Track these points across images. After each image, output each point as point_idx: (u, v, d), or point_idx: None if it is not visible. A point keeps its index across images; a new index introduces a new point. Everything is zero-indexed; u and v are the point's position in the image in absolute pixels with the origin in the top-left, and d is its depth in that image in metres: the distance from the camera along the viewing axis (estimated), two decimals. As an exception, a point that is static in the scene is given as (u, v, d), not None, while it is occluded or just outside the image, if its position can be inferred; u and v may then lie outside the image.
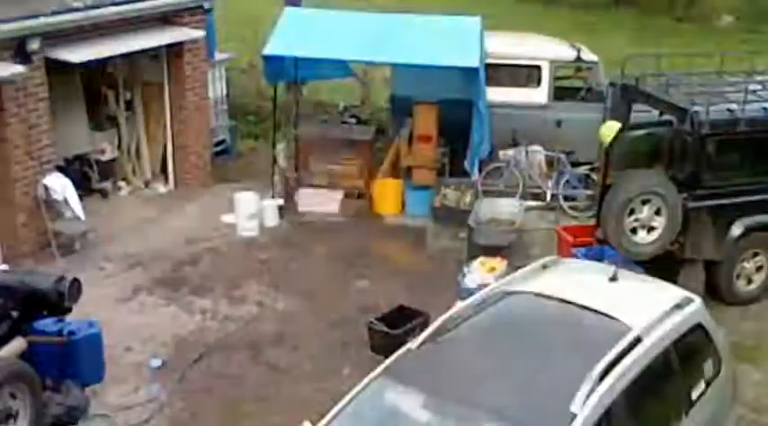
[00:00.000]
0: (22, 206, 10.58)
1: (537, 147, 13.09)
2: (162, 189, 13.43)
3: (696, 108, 9.67)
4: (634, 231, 9.98)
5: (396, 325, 9.02)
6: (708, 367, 7.05)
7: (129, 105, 13.39)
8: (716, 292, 10.23)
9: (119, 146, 13.29)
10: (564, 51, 13.81)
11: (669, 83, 10.31)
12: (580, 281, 7.45)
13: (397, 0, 18.23)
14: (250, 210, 11.98)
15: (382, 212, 12.64)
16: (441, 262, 11.29)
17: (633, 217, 9.93)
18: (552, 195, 12.90)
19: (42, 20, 10.28)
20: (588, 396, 5.74)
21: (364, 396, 6.21)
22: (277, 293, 10.53)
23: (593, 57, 13.71)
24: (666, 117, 10.50)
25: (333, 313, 10.08)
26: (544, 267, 7.51)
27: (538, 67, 13.47)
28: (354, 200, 12.92)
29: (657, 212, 9.91)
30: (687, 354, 6.79)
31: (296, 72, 13.14)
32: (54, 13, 10.38)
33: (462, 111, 12.35)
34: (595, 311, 6.70)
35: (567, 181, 12.88)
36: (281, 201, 12.54)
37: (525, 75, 13.66)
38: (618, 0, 26.16)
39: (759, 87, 10.47)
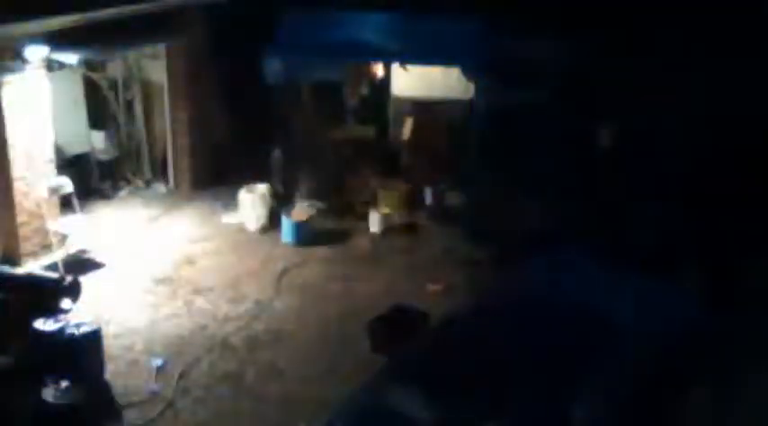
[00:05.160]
0: (22, 205, 10.58)
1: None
2: (162, 189, 13.44)
3: None
4: None
5: (396, 325, 9.03)
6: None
7: (130, 105, 13.41)
8: None
9: (119, 146, 13.30)
10: None
11: None
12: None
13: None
14: (259, 205, 12.03)
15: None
16: (440, 262, 11.30)
17: None
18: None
19: (42, 20, 10.28)
20: (588, 396, 5.75)
21: (364, 396, 6.23)
22: (277, 292, 10.54)
23: None
24: None
25: (332, 312, 10.10)
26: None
27: None
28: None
29: None
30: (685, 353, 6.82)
31: (296, 72, 13.14)
32: (54, 14, 10.37)
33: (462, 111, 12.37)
34: (595, 310, 6.72)
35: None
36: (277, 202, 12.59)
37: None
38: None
39: None
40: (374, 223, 12.10)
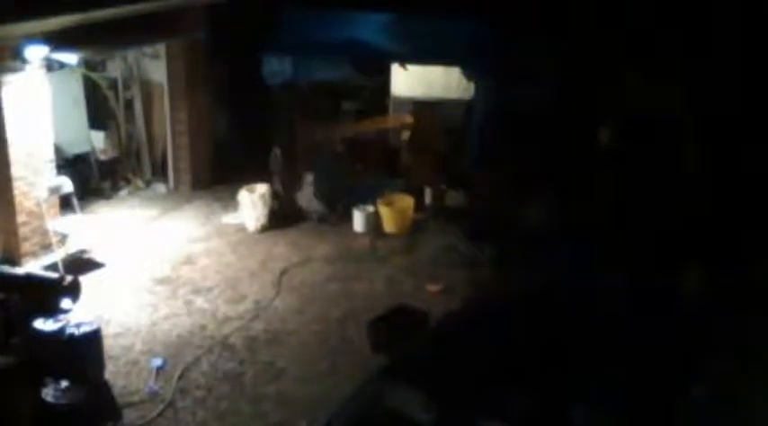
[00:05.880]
0: (22, 205, 10.58)
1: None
2: (162, 189, 13.44)
3: None
4: None
5: (396, 325, 9.03)
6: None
7: (129, 105, 13.41)
8: None
9: (119, 146, 13.30)
10: None
11: None
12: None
13: None
14: (259, 205, 12.03)
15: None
16: (440, 262, 11.30)
17: None
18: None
19: (42, 20, 10.28)
20: (588, 396, 5.75)
21: (364, 396, 6.22)
22: (276, 292, 10.54)
23: None
24: None
25: (332, 312, 10.09)
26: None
27: None
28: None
29: None
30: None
31: (295, 72, 13.13)
32: (54, 14, 10.37)
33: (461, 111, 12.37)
34: (596, 309, 6.72)
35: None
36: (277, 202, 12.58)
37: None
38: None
39: None
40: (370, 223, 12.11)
